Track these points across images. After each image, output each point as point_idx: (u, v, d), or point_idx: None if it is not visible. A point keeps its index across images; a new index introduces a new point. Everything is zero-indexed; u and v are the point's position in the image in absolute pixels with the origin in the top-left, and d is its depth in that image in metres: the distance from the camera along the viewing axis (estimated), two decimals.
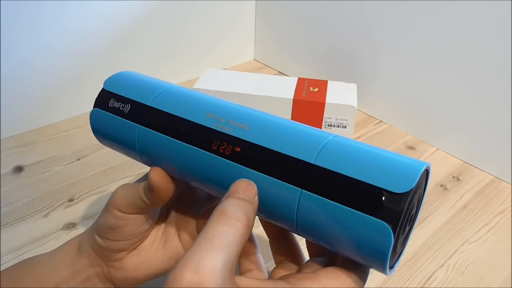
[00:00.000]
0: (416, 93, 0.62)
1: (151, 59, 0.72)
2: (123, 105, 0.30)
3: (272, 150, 0.24)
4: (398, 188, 0.21)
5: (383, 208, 0.21)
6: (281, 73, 0.82)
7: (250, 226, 0.23)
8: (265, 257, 0.31)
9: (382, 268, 0.22)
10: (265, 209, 0.25)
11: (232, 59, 0.84)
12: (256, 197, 0.24)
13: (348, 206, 0.21)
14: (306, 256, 0.29)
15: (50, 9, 0.57)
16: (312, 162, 0.23)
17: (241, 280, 0.23)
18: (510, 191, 0.55)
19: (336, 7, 0.67)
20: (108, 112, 0.31)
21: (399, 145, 0.63)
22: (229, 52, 0.83)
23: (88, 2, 0.59)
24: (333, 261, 0.26)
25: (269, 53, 0.85)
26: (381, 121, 0.69)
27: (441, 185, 0.55)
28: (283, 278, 0.23)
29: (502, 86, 0.52)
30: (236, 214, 0.22)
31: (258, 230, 0.32)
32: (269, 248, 0.30)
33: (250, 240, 0.30)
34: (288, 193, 0.23)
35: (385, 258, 0.21)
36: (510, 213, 0.51)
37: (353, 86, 0.62)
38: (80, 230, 0.46)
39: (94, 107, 0.32)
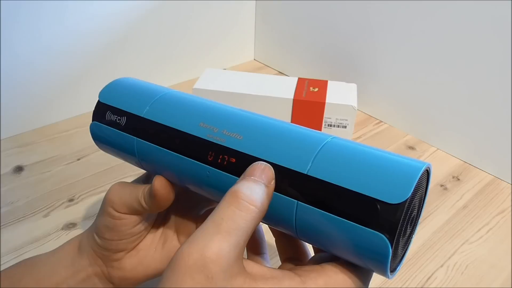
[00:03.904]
0: (416, 93, 0.62)
1: (151, 59, 0.72)
2: (119, 117, 0.30)
3: (266, 161, 0.24)
4: (393, 198, 0.20)
5: (379, 220, 0.20)
6: (281, 73, 0.82)
7: (263, 211, 0.22)
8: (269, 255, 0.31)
9: (383, 274, 0.22)
10: (265, 217, 0.25)
11: (232, 59, 0.84)
12: (273, 181, 0.23)
13: (344, 218, 0.21)
14: (311, 253, 0.29)
15: (50, 9, 0.57)
16: (306, 173, 0.23)
17: (249, 265, 0.22)
18: (510, 191, 0.55)
19: (336, 7, 0.67)
20: (106, 125, 0.31)
21: (399, 145, 0.63)
22: (229, 52, 0.83)
23: (87, 2, 0.59)
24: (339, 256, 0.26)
25: (269, 53, 0.85)
26: (381, 121, 0.69)
27: (441, 185, 0.55)
28: (290, 269, 0.23)
29: (502, 86, 0.52)
30: (249, 198, 0.22)
31: (264, 227, 0.32)
32: (271, 246, 0.30)
33: (258, 239, 0.30)
34: (285, 204, 0.23)
35: (384, 267, 0.21)
36: (510, 213, 0.51)
37: (353, 86, 0.62)
38: (80, 230, 0.46)
39: (92, 120, 0.32)
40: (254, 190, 0.22)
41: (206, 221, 0.21)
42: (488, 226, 0.49)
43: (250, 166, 0.23)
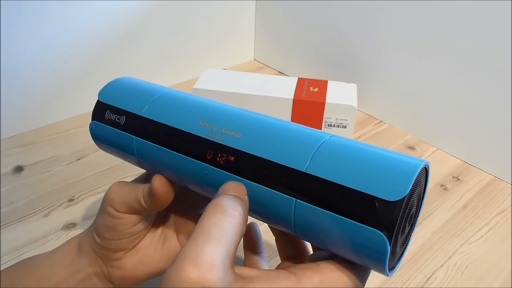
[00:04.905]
0: (416, 93, 0.62)
1: (152, 60, 0.72)
2: (119, 117, 0.30)
3: (264, 159, 0.24)
4: (391, 195, 0.20)
5: (377, 217, 0.20)
6: (281, 73, 0.82)
7: (245, 219, 0.23)
8: (268, 255, 0.31)
9: (381, 272, 0.22)
10: (264, 216, 0.25)
11: (232, 59, 0.84)
12: (246, 196, 0.24)
13: (342, 216, 0.21)
14: (311, 251, 0.29)
15: (50, 10, 0.57)
16: (304, 171, 0.23)
17: (242, 270, 0.22)
18: (510, 191, 0.55)
19: (336, 7, 0.67)
20: (106, 125, 0.31)
21: (399, 145, 0.63)
22: (229, 52, 0.83)
23: (87, 2, 0.59)
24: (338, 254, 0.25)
25: (269, 53, 0.85)
26: (381, 121, 0.69)
27: (441, 185, 0.55)
28: (285, 268, 0.23)
29: (502, 86, 0.52)
30: (232, 205, 0.22)
31: (263, 227, 0.32)
32: (271, 245, 0.30)
33: (255, 238, 0.30)
34: (284, 202, 0.23)
35: (383, 264, 0.21)
36: (510, 213, 0.51)
37: (353, 86, 0.62)
38: (80, 230, 0.46)
39: (92, 119, 0.32)
40: (233, 200, 0.23)
41: (193, 232, 0.21)
42: (488, 226, 0.49)
43: (223, 185, 0.24)
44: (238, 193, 0.24)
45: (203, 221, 0.21)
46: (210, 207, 0.22)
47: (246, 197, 0.24)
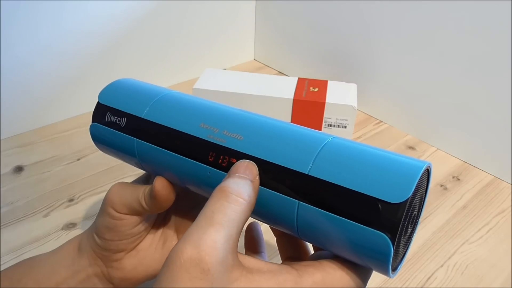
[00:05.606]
0: (416, 93, 0.62)
1: (151, 59, 0.72)
2: (119, 119, 0.30)
3: (267, 161, 0.24)
4: (395, 197, 0.20)
5: (380, 219, 0.20)
6: (281, 73, 0.82)
7: (251, 204, 0.23)
8: (268, 254, 0.30)
9: (385, 273, 0.22)
10: (266, 217, 0.25)
11: (232, 59, 0.84)
12: (257, 176, 0.24)
13: (346, 218, 0.21)
14: (312, 252, 0.29)
15: (49, 10, 0.57)
16: (307, 173, 0.23)
17: (245, 259, 0.22)
18: (510, 191, 0.55)
19: (336, 8, 0.67)
20: (106, 127, 0.31)
21: (399, 145, 0.63)
22: (229, 52, 0.83)
23: (87, 2, 0.59)
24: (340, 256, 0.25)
25: (269, 53, 0.85)
26: (381, 121, 0.69)
27: (441, 185, 0.55)
28: (288, 264, 0.23)
29: (502, 86, 0.52)
30: (236, 191, 0.22)
31: (264, 226, 0.32)
32: (271, 245, 0.30)
33: (256, 238, 0.30)
34: (286, 204, 0.23)
35: (386, 266, 0.21)
36: (510, 213, 0.51)
37: (353, 86, 0.62)
38: (80, 230, 0.46)
39: (92, 121, 0.32)
40: (240, 184, 0.23)
41: (197, 217, 0.21)
42: (488, 226, 0.49)
43: (234, 164, 0.24)
44: (248, 173, 0.23)
45: (207, 207, 0.22)
46: (216, 192, 0.22)
47: (257, 177, 0.24)
